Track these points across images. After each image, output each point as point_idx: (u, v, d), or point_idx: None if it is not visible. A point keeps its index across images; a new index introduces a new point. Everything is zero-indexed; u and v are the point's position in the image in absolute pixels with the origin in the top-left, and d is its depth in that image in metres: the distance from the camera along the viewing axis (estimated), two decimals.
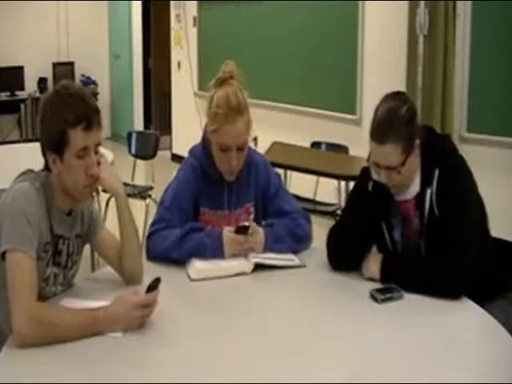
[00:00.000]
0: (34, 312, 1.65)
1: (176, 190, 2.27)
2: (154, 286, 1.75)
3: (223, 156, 2.21)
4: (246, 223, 2.19)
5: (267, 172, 2.38)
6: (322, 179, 4.72)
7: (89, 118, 1.78)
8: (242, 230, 2.16)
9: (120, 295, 1.75)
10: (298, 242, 2.28)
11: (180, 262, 2.16)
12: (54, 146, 1.80)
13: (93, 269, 4.08)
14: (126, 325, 1.70)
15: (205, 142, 2.30)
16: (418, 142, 2.03)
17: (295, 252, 2.26)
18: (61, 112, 1.77)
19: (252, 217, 2.35)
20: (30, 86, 8.77)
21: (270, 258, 2.16)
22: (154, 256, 2.20)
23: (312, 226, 2.39)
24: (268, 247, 2.21)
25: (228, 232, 2.16)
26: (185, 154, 2.42)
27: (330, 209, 4.59)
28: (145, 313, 1.73)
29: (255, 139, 6.57)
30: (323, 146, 4.96)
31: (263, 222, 2.33)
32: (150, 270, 2.24)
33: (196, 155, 2.32)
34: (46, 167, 1.88)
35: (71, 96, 1.79)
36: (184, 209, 2.25)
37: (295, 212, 2.34)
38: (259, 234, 2.20)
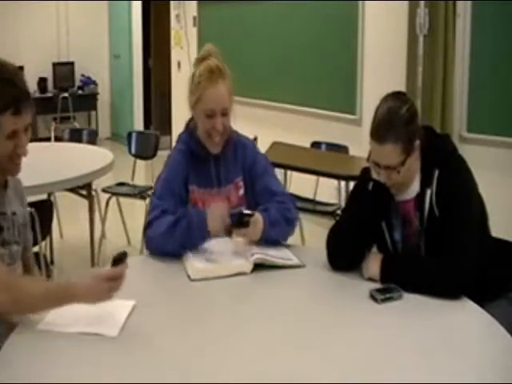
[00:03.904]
0: (2, 278, 1.69)
1: (167, 176, 2.34)
2: (120, 259, 1.77)
3: (209, 122, 2.28)
4: (249, 211, 2.20)
5: (254, 152, 2.47)
6: (322, 179, 4.72)
7: (17, 103, 1.81)
8: (244, 222, 2.15)
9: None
10: (289, 225, 2.32)
11: (178, 249, 2.19)
12: None
13: None
14: (93, 297, 1.74)
15: (188, 127, 2.41)
16: (418, 142, 2.03)
17: (284, 239, 2.31)
18: None
19: (242, 192, 2.40)
20: (30, 86, 8.64)
21: (269, 255, 2.16)
22: (152, 247, 2.24)
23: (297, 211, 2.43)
24: (266, 232, 2.21)
25: (214, 207, 2.21)
26: None
27: (330, 209, 4.59)
28: (112, 286, 1.75)
29: (255, 139, 6.62)
30: (323, 146, 4.96)
31: (259, 207, 2.32)
32: (150, 271, 2.25)
33: (182, 139, 2.42)
34: None
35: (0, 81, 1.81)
36: (176, 193, 2.31)
37: (282, 194, 2.39)
38: (259, 222, 2.20)
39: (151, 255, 2.26)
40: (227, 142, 2.39)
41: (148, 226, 2.26)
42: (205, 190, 2.35)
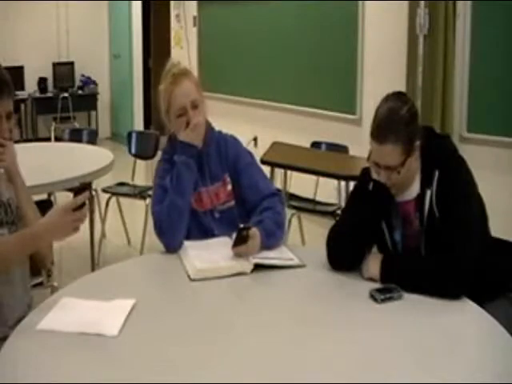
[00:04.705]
0: None
1: (160, 182, 2.39)
2: (82, 189, 1.80)
3: (183, 121, 2.36)
4: (246, 225, 2.19)
5: (237, 147, 2.50)
6: (322, 179, 4.72)
7: None
8: (243, 237, 2.15)
9: None
10: (282, 229, 2.35)
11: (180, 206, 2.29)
12: None
13: (93, 269, 4.09)
14: (61, 231, 1.80)
15: (170, 141, 2.49)
16: (418, 142, 2.03)
17: (280, 240, 2.32)
18: None
19: (229, 187, 2.43)
20: (30, 86, 8.77)
21: (269, 258, 2.16)
22: (168, 234, 2.27)
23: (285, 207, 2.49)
24: (263, 245, 2.22)
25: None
26: None
27: (330, 209, 4.58)
28: (77, 216, 1.79)
29: (255, 139, 6.59)
30: (323, 146, 4.95)
31: (252, 219, 2.33)
32: (150, 271, 2.25)
33: (165, 151, 2.50)
34: None
35: None
36: None
37: (270, 194, 2.40)
38: (257, 236, 2.20)
39: (152, 255, 2.26)
40: (209, 141, 2.42)
41: (156, 225, 2.30)
42: (194, 190, 2.38)
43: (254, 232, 2.19)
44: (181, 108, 2.34)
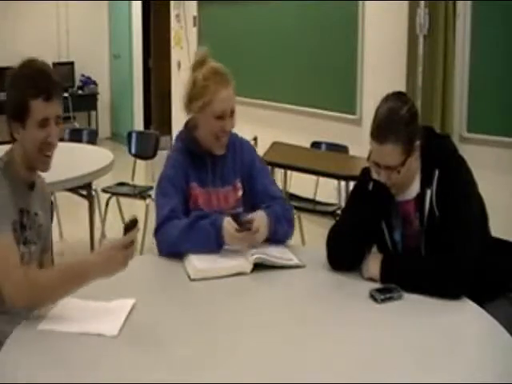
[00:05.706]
0: (21, 279, 1.74)
1: (169, 173, 2.35)
2: (131, 226, 1.79)
3: (218, 125, 2.30)
4: (248, 218, 2.20)
5: (252, 153, 2.50)
6: (322, 179, 4.72)
7: (49, 90, 1.90)
8: (244, 225, 2.15)
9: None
10: (289, 226, 2.35)
11: (191, 251, 2.19)
12: (17, 115, 1.90)
13: None
14: (110, 269, 1.78)
15: (187, 127, 2.41)
16: (418, 142, 2.03)
17: (286, 238, 2.32)
18: (24, 85, 1.90)
19: (240, 193, 2.42)
20: None
21: (269, 255, 2.15)
22: (164, 249, 2.23)
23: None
24: (272, 228, 2.23)
25: (228, 224, 2.17)
26: None
27: (330, 209, 4.59)
28: (128, 253, 1.80)
29: (255, 139, 6.58)
30: (323, 146, 4.96)
31: (262, 206, 2.33)
32: (150, 271, 2.25)
33: (182, 139, 2.43)
34: (12, 138, 1.96)
35: (34, 71, 1.93)
36: (180, 190, 2.33)
37: (280, 199, 2.42)
38: (263, 219, 2.21)
39: (152, 255, 2.26)
40: (228, 144, 2.40)
41: (159, 227, 2.25)
42: (203, 188, 2.36)
43: (261, 216, 2.20)
44: (222, 111, 2.30)
